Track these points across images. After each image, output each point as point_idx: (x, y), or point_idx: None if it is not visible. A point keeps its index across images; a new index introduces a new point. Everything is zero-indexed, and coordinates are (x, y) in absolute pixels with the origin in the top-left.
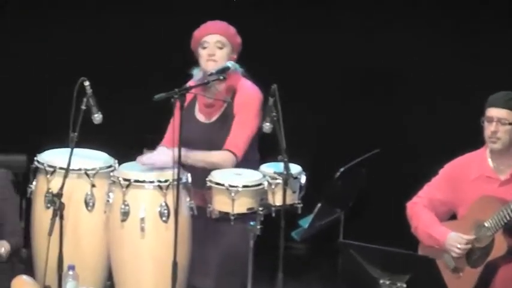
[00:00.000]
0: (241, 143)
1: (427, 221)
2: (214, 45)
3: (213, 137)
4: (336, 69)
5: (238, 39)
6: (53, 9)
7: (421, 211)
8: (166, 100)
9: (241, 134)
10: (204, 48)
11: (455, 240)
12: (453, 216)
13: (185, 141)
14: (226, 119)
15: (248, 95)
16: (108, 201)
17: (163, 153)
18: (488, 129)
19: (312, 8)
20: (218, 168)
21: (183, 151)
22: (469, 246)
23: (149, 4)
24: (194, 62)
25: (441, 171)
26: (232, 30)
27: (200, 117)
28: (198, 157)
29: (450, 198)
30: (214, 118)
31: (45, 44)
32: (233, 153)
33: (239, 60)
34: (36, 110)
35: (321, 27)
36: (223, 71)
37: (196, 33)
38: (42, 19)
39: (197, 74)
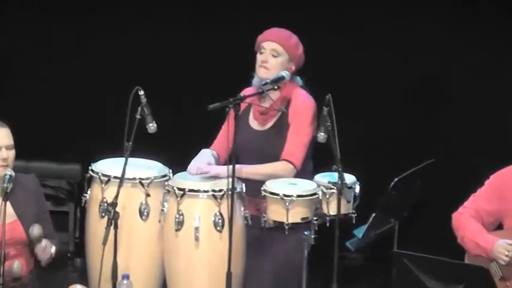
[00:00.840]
0: (299, 152)
1: (473, 230)
2: (269, 53)
3: (266, 145)
4: (389, 78)
5: (299, 51)
6: (113, 18)
7: (467, 221)
8: (221, 109)
9: (297, 143)
10: (261, 53)
11: (504, 247)
12: (499, 227)
13: (238, 148)
14: (280, 127)
15: (302, 104)
16: (162, 210)
17: (216, 167)
18: None
19: (358, 20)
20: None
21: (239, 167)
22: None
23: (205, 15)
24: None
25: (487, 182)
26: (293, 40)
27: (254, 124)
28: (251, 171)
29: (497, 209)
30: (268, 126)
31: (102, 51)
32: (292, 163)
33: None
34: (90, 119)
35: (372, 38)
36: (278, 80)
37: (258, 37)
38: (99, 27)
39: (256, 80)
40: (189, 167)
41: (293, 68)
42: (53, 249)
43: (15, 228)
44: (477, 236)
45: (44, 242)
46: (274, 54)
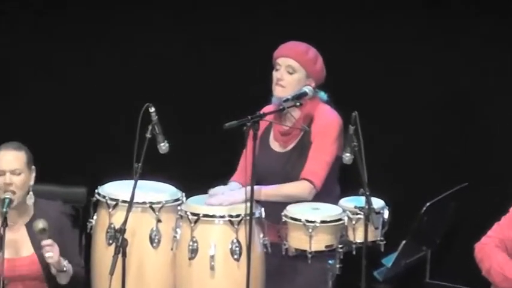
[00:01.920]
0: (320, 170)
1: (500, 262)
2: (285, 70)
3: (289, 168)
4: (419, 96)
5: (317, 66)
6: (124, 36)
7: (493, 251)
8: (239, 129)
9: (319, 161)
10: (276, 70)
11: None
12: None
13: (259, 172)
14: (303, 147)
15: (326, 120)
16: (175, 237)
17: (231, 194)
18: None
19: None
20: (295, 201)
21: (257, 188)
22: None
23: (221, 28)
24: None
25: None
26: (310, 54)
27: (275, 146)
28: (270, 192)
29: None
30: (290, 147)
31: (110, 66)
32: (311, 182)
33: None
34: (97, 138)
35: (402, 53)
36: (300, 96)
37: (274, 52)
38: (108, 44)
39: (275, 97)
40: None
41: (312, 84)
42: (66, 262)
43: (31, 262)
44: (505, 267)
45: (51, 241)
46: (290, 71)
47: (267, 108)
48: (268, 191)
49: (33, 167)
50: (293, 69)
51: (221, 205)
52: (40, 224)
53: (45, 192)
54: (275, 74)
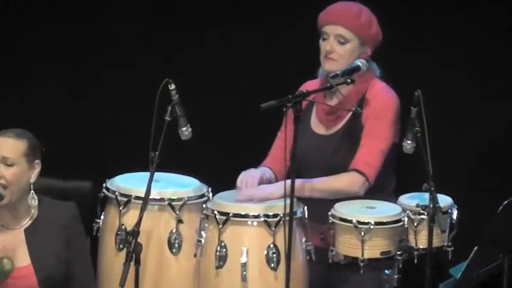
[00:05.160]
0: (374, 160)
1: None
2: (335, 40)
3: (335, 154)
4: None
5: (373, 30)
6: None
7: None
8: (277, 110)
9: (373, 149)
10: (324, 40)
11: None
12: None
13: (298, 160)
14: (352, 130)
15: (382, 100)
16: (199, 241)
17: (264, 188)
18: None
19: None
20: (345, 197)
21: (298, 182)
22: None
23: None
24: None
25: None
26: (363, 18)
27: (318, 128)
28: (316, 186)
29: None
30: (336, 129)
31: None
32: (363, 173)
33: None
34: (106, 122)
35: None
36: (352, 72)
37: (319, 17)
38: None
39: (322, 71)
40: (238, 180)
41: (369, 52)
42: None
43: (27, 274)
44: None
45: None
46: (341, 40)
47: (308, 85)
48: (313, 185)
49: (37, 161)
50: (345, 39)
51: (251, 201)
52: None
53: (44, 186)
54: (323, 45)
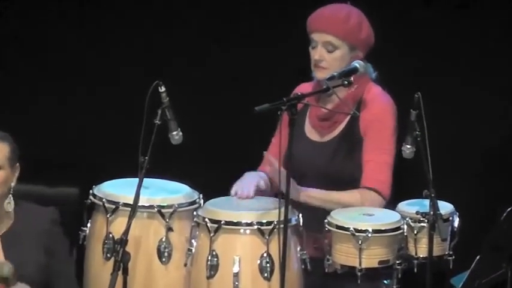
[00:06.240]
0: (384, 176)
1: None
2: (323, 48)
3: (330, 162)
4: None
5: (363, 34)
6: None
7: None
8: (271, 113)
9: (380, 165)
10: (313, 48)
11: None
12: None
13: (292, 168)
14: (350, 137)
15: (380, 107)
16: (190, 250)
17: (253, 176)
18: None
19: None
20: None
21: (296, 187)
22: None
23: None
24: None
25: None
26: (352, 22)
27: (312, 134)
28: (329, 198)
29: None
30: (332, 136)
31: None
32: (379, 193)
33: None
34: (93, 125)
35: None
36: (349, 73)
37: (307, 23)
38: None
39: None
40: (232, 189)
41: (361, 55)
42: None
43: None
44: None
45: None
46: (330, 48)
47: (303, 87)
48: (327, 195)
49: (17, 164)
50: (333, 46)
51: (248, 197)
52: (5, 271)
53: (28, 193)
54: (312, 53)
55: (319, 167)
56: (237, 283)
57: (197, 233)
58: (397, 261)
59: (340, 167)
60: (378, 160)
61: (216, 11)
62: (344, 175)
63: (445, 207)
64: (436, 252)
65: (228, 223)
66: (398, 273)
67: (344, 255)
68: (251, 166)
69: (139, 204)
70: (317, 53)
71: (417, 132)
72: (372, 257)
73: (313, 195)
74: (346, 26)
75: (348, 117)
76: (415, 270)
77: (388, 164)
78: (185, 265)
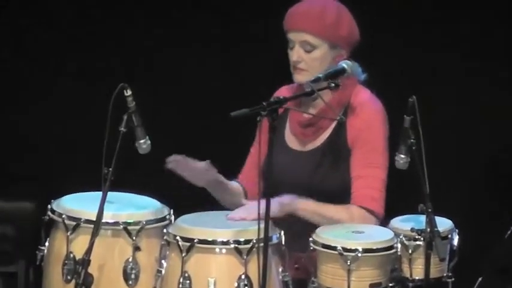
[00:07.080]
0: (377, 194)
1: None
2: (300, 48)
3: (313, 174)
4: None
5: (343, 30)
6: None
7: None
8: (249, 119)
9: (374, 180)
10: (291, 48)
11: None
12: None
13: (272, 179)
14: (335, 146)
15: (370, 113)
16: (159, 272)
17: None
18: None
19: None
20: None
21: (290, 199)
22: None
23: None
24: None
25: None
26: (329, 18)
27: (292, 142)
28: (319, 211)
29: None
30: (315, 145)
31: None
32: (373, 213)
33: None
34: (51, 133)
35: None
36: (336, 75)
37: (283, 22)
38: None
39: None
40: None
41: (344, 54)
42: None
43: None
44: None
45: None
46: (308, 48)
47: (283, 91)
48: (317, 208)
49: None
50: (311, 46)
51: (245, 219)
52: None
53: None
54: (290, 55)
55: (300, 178)
56: None
57: (167, 252)
58: (390, 284)
59: (323, 179)
60: (369, 175)
61: (193, 13)
62: (328, 188)
63: (443, 224)
64: (434, 273)
65: (201, 241)
66: None
67: (330, 277)
68: (227, 177)
69: (103, 220)
70: (295, 54)
71: (412, 141)
72: (362, 279)
73: (316, 210)
74: (323, 22)
75: (334, 124)
76: None
77: (381, 179)
78: None
